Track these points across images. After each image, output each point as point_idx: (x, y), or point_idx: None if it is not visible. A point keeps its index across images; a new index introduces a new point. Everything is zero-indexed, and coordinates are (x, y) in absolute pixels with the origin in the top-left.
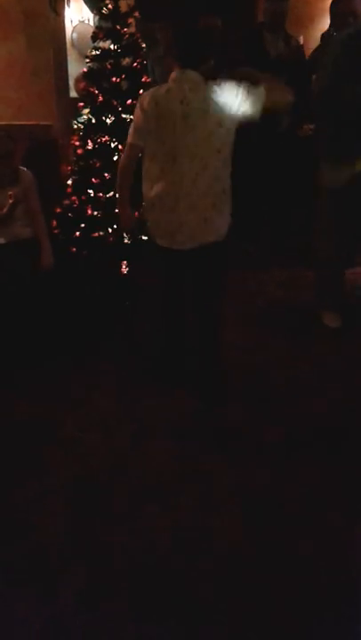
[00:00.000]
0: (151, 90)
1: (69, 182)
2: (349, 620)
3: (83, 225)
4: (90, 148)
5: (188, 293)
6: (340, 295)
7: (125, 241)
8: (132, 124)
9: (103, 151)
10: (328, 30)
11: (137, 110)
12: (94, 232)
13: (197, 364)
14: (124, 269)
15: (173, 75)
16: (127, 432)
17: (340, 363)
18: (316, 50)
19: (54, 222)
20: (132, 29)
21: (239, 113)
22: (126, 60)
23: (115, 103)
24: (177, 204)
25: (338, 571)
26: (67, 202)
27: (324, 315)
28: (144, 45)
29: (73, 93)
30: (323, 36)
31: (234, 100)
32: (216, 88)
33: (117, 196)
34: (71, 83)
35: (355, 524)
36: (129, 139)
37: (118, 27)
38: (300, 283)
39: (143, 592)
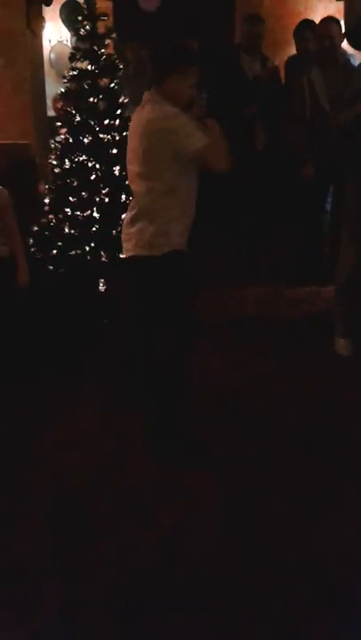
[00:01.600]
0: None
1: (46, 201)
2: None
3: (60, 243)
4: (67, 167)
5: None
6: (352, 322)
7: (103, 259)
8: None
9: (80, 170)
10: (294, 56)
11: None
12: (71, 250)
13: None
14: (102, 287)
15: (146, 94)
16: (108, 448)
17: (320, 378)
18: (289, 75)
19: (31, 241)
20: (110, 50)
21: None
22: (104, 81)
23: (92, 123)
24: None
25: (323, 583)
26: (44, 220)
27: (336, 341)
28: (121, 66)
29: (51, 112)
30: (289, 61)
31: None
32: (159, 115)
33: None
34: (49, 102)
35: (340, 537)
36: None
37: (96, 47)
38: (278, 300)
39: (124, 609)
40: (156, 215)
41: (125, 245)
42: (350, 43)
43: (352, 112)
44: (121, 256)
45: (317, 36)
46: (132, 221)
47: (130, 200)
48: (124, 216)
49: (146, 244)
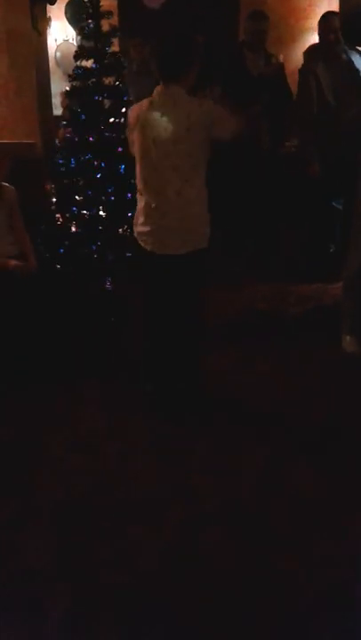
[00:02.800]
0: (136, 104)
1: (53, 200)
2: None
3: (66, 242)
4: (73, 165)
5: (169, 302)
6: (359, 318)
7: (109, 258)
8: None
9: (86, 169)
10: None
11: (127, 121)
12: (78, 249)
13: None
14: (109, 286)
15: (157, 88)
16: (112, 451)
17: (326, 376)
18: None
19: (38, 240)
20: (115, 48)
21: (212, 132)
22: (108, 79)
23: (97, 121)
24: (165, 213)
25: (325, 583)
26: (50, 219)
27: (343, 338)
28: (125, 64)
29: (57, 111)
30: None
31: (209, 118)
32: (196, 104)
33: None
34: (55, 101)
35: (342, 537)
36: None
37: (100, 46)
38: (286, 297)
39: (130, 612)
40: (204, 206)
41: (177, 241)
42: (345, 37)
43: None
44: (172, 253)
45: (322, 30)
46: (183, 216)
47: (135, 199)
48: (140, 216)
49: (204, 236)
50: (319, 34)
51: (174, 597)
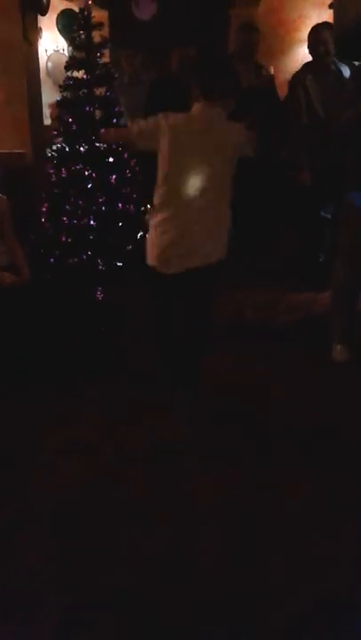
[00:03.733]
0: (177, 114)
1: (43, 209)
2: None
3: (57, 252)
4: (64, 175)
5: (185, 315)
6: (349, 326)
7: (100, 267)
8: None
9: (77, 179)
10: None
11: (157, 118)
12: (68, 259)
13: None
14: (99, 295)
15: (198, 106)
16: (107, 454)
17: (316, 384)
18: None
19: (29, 249)
20: (106, 59)
21: (242, 151)
22: (99, 90)
23: (88, 132)
24: (192, 226)
25: (324, 585)
26: (41, 229)
27: (333, 347)
28: (116, 75)
29: (48, 121)
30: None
31: (240, 138)
32: (230, 125)
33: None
34: (45, 111)
35: (341, 538)
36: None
37: (91, 57)
38: (276, 306)
39: (127, 617)
40: (229, 219)
41: (203, 254)
42: (339, 51)
43: (354, 110)
44: (197, 265)
45: (311, 42)
46: (211, 229)
47: (126, 208)
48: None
49: (225, 247)
50: (309, 46)
51: (173, 598)
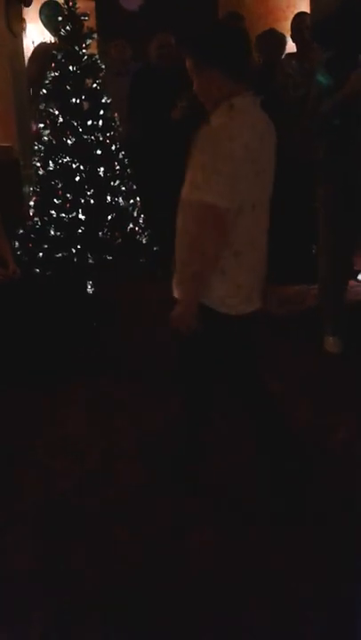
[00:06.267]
0: (237, 122)
1: (31, 203)
2: None
3: (46, 246)
4: (51, 168)
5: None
6: (341, 317)
7: (89, 261)
8: (218, 178)
9: (65, 172)
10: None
11: (227, 156)
12: (57, 253)
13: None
14: (90, 289)
15: (241, 99)
16: (97, 454)
17: (309, 376)
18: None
19: (17, 244)
20: (92, 50)
21: None
22: (86, 82)
23: (75, 124)
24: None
25: (323, 585)
26: (29, 223)
27: (325, 339)
28: (103, 66)
29: None
30: None
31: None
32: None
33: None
34: None
35: (341, 540)
36: (215, 200)
37: (77, 48)
38: (267, 298)
39: (117, 614)
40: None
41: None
42: (316, 37)
43: (333, 101)
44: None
45: (296, 29)
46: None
47: (115, 202)
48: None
49: None
50: (292, 33)
51: (162, 598)
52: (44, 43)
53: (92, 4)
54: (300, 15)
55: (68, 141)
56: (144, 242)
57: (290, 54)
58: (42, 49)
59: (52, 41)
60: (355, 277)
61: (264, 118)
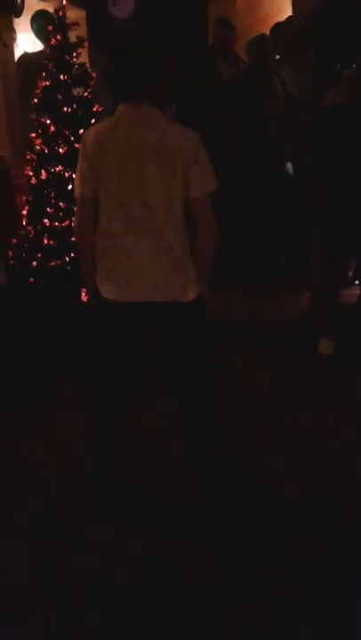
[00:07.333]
0: (94, 127)
1: (24, 212)
2: None
3: (39, 255)
4: (44, 177)
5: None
6: (334, 320)
7: None
8: (77, 170)
9: (57, 181)
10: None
11: (80, 154)
12: (51, 261)
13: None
14: (84, 297)
15: (122, 108)
16: (88, 459)
17: (303, 379)
18: None
19: (10, 253)
20: (83, 59)
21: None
22: (77, 90)
23: (67, 133)
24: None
25: (323, 585)
26: (22, 232)
27: (318, 342)
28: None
29: None
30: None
31: (191, 146)
32: (175, 128)
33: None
34: None
35: (340, 541)
36: (76, 189)
37: (68, 57)
38: (261, 303)
39: (110, 622)
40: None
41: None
42: (299, 42)
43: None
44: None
45: (289, 31)
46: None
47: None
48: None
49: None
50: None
51: (159, 601)
52: (27, 53)
53: (83, 13)
54: (291, 18)
55: (60, 150)
56: None
57: (283, 58)
58: (29, 59)
59: (37, 50)
60: (352, 283)
61: (139, 123)
